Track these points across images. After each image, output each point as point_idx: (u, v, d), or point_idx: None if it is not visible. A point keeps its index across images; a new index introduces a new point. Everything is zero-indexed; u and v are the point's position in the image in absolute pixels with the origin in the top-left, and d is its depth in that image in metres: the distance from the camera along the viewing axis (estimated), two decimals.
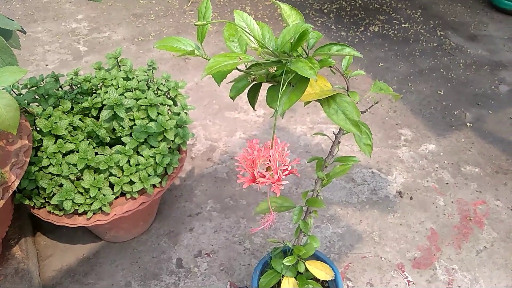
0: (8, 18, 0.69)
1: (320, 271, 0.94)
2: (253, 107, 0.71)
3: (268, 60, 0.59)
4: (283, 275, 0.94)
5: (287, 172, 0.59)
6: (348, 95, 0.72)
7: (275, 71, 0.60)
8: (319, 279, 0.99)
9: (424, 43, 2.11)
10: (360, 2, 2.44)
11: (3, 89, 0.60)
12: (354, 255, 1.23)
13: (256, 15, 2.31)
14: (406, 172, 1.48)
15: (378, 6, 2.41)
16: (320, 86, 0.71)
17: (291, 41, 0.58)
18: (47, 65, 1.96)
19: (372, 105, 0.77)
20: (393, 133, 1.62)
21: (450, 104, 1.75)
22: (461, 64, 1.97)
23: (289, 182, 1.43)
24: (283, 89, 0.59)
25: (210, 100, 1.75)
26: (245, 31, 0.57)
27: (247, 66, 0.63)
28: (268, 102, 0.64)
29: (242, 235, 1.27)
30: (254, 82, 0.70)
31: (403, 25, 2.24)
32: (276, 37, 0.61)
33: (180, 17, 2.29)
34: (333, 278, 0.94)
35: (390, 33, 2.18)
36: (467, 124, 1.66)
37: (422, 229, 1.30)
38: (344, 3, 2.43)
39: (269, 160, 0.59)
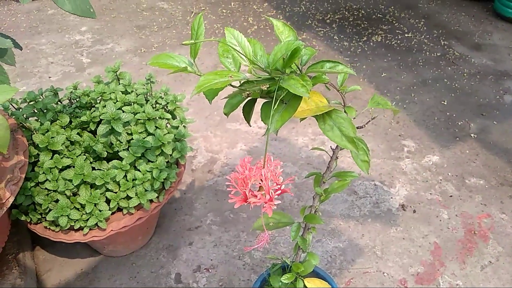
0: (2, 35, 0.69)
1: None
2: (248, 123, 0.70)
3: (259, 77, 0.58)
4: None
5: (279, 191, 0.58)
6: (345, 110, 0.70)
7: (268, 88, 0.59)
8: None
9: (427, 53, 2.10)
10: (363, 12, 2.44)
11: None
12: (355, 270, 1.21)
13: (259, 26, 2.31)
14: (409, 185, 1.45)
15: (381, 15, 2.40)
16: (315, 102, 0.69)
17: (284, 57, 0.57)
18: (50, 77, 1.97)
19: (370, 121, 0.75)
20: (396, 144, 1.60)
21: (454, 115, 1.73)
22: (465, 74, 1.95)
23: (290, 196, 1.41)
24: (275, 106, 0.58)
25: (212, 111, 1.75)
26: (236, 49, 0.56)
27: (240, 83, 0.62)
28: (262, 118, 0.63)
29: (242, 250, 1.25)
30: (249, 98, 0.69)
31: (406, 35, 2.23)
32: (268, 53, 0.60)
33: (183, 29, 2.30)
34: None
35: (393, 42, 2.17)
36: (472, 135, 1.64)
37: (426, 243, 1.28)
38: (347, 13, 2.43)
39: (261, 179, 0.57)
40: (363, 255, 1.25)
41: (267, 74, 0.58)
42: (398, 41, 2.18)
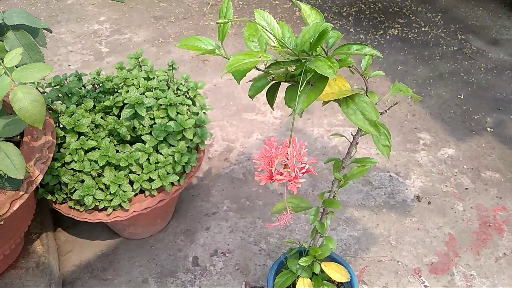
0: (35, 18, 0.72)
1: (336, 272, 0.94)
2: (272, 107, 0.72)
3: (287, 59, 0.59)
4: (298, 276, 0.94)
5: (304, 170, 0.59)
6: (367, 95, 0.72)
7: (294, 70, 0.61)
8: (334, 281, 0.99)
9: (444, 47, 2.09)
10: (379, 5, 2.43)
11: (30, 84, 0.62)
12: (370, 258, 1.23)
13: (275, 18, 2.32)
14: (424, 177, 1.46)
15: (397, 9, 2.39)
16: (339, 86, 0.71)
17: (311, 40, 0.59)
18: (69, 65, 2.00)
19: (391, 106, 0.77)
20: (411, 137, 1.61)
21: (471, 109, 1.73)
22: (482, 69, 1.95)
23: (305, 183, 1.43)
24: (302, 87, 0.60)
25: (228, 101, 1.77)
26: (266, 30, 0.58)
27: (267, 65, 0.63)
28: (286, 101, 0.65)
29: (258, 236, 1.28)
30: (273, 82, 0.71)
31: (423, 29, 2.22)
32: (296, 36, 0.61)
33: (200, 20, 2.32)
34: (349, 280, 0.93)
35: (409, 36, 2.17)
36: (488, 129, 1.64)
37: (440, 234, 1.29)
38: (363, 6, 2.43)
39: (287, 158, 0.59)
40: (377, 244, 1.26)
41: (295, 56, 0.60)
42: (415, 35, 2.18)
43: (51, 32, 0.85)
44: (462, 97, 1.79)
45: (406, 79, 1.89)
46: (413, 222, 1.32)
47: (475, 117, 1.69)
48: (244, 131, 1.64)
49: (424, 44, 2.11)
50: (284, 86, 0.67)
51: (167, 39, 2.17)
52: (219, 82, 1.86)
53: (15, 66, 0.63)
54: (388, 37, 2.16)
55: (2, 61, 0.62)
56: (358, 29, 2.22)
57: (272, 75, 0.68)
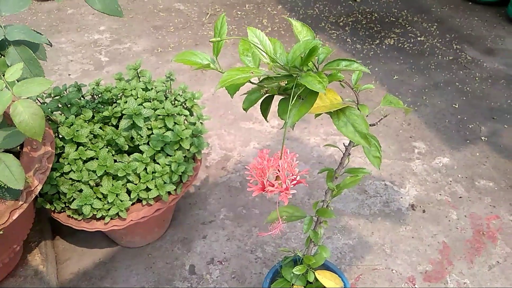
0: (36, 32, 0.74)
1: (330, 281, 0.95)
2: (265, 119, 0.74)
3: (279, 74, 0.62)
4: (293, 284, 0.96)
5: (295, 181, 0.61)
6: (358, 108, 0.74)
7: (286, 84, 0.63)
8: None
9: (439, 57, 2.12)
10: (376, 15, 2.46)
11: (29, 98, 0.64)
12: (365, 266, 1.24)
13: (273, 28, 2.35)
14: (419, 185, 1.48)
15: (394, 19, 2.43)
16: (330, 99, 0.73)
17: (302, 56, 0.61)
18: (69, 74, 2.03)
19: (382, 118, 0.79)
20: (406, 145, 1.63)
21: (465, 118, 1.75)
22: (477, 78, 1.97)
23: (301, 192, 1.45)
24: (293, 101, 0.62)
25: (226, 110, 1.79)
26: (258, 47, 0.60)
27: (260, 80, 0.65)
28: (279, 114, 0.67)
29: (254, 244, 1.29)
30: (267, 95, 0.73)
31: (418, 38, 2.25)
32: (288, 52, 0.63)
33: (199, 30, 2.35)
34: None
35: (405, 46, 2.20)
36: (482, 138, 1.66)
37: (434, 242, 1.30)
38: (360, 16, 2.46)
39: (278, 170, 0.61)
40: (372, 252, 1.28)
41: (286, 71, 0.62)
42: (411, 45, 2.20)
43: (51, 46, 0.87)
44: (457, 106, 1.81)
45: (401, 88, 1.91)
46: (408, 231, 1.33)
47: (470, 126, 1.71)
48: (242, 140, 1.66)
49: (419, 54, 2.14)
50: (278, 97, 0.69)
51: (166, 49, 2.20)
52: (217, 92, 1.88)
53: (16, 80, 0.65)
54: (384, 46, 2.19)
55: (3, 76, 0.64)
56: (354, 39, 2.25)
57: (266, 88, 0.70)
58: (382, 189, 1.47)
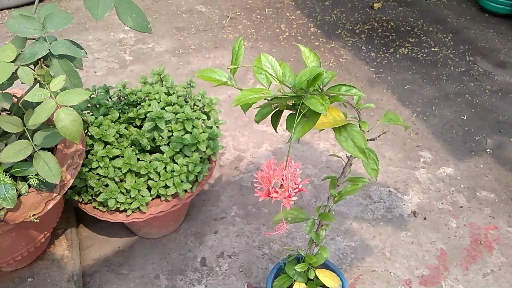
0: (77, 46, 0.84)
1: (329, 279, 1.04)
2: (275, 130, 0.83)
3: (286, 95, 0.70)
4: (294, 280, 1.05)
5: (297, 190, 0.70)
6: (360, 125, 0.82)
7: (292, 104, 0.72)
8: (327, 287, 1.09)
9: (452, 68, 2.17)
10: (392, 24, 2.52)
11: (70, 106, 0.74)
12: (364, 268, 1.32)
13: (290, 33, 2.43)
14: (422, 193, 1.55)
15: (409, 28, 2.48)
16: (333, 116, 0.81)
17: (308, 80, 0.70)
18: (95, 72, 2.14)
19: (381, 135, 0.87)
20: (413, 154, 1.70)
21: (472, 130, 1.81)
22: (487, 91, 2.02)
23: (309, 195, 1.53)
24: (298, 119, 0.71)
25: (241, 112, 1.88)
26: (268, 72, 0.69)
27: (270, 99, 0.74)
28: (287, 127, 0.75)
29: (261, 241, 1.38)
30: (277, 109, 0.82)
31: (432, 49, 2.30)
32: (296, 74, 0.72)
33: (219, 32, 2.44)
34: (340, 286, 1.03)
35: (419, 56, 2.25)
36: (487, 150, 1.72)
37: (433, 248, 1.37)
38: (376, 24, 2.52)
39: (282, 179, 0.70)
40: (372, 255, 1.35)
41: (293, 93, 0.71)
42: (424, 55, 2.26)
43: (86, 54, 0.97)
44: (465, 118, 1.87)
45: (412, 98, 1.97)
46: (408, 236, 1.41)
47: (476, 138, 1.77)
48: (255, 142, 1.75)
49: (432, 64, 2.19)
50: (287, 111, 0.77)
51: (187, 50, 2.29)
52: (233, 94, 1.97)
53: (59, 89, 0.75)
54: (398, 55, 2.25)
55: (48, 85, 0.75)
56: (369, 47, 2.31)
57: (276, 104, 0.79)
58: (386, 195, 1.54)
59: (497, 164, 1.65)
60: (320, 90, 0.73)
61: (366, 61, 2.21)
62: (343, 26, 2.50)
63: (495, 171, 1.63)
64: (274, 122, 0.84)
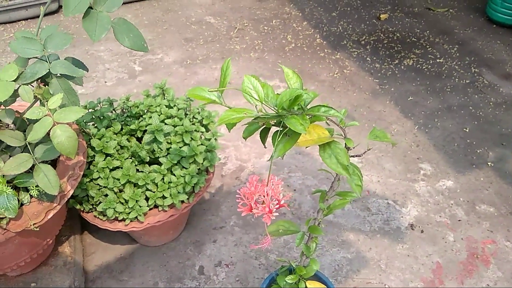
0: (78, 64, 0.89)
1: None
2: (264, 145, 0.87)
3: (268, 115, 0.74)
4: None
5: (278, 206, 0.73)
6: (345, 142, 0.85)
7: (274, 123, 0.75)
8: None
9: (456, 79, 2.17)
10: (398, 35, 2.53)
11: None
12: (360, 280, 1.34)
13: (296, 44, 2.46)
14: (420, 206, 1.56)
15: (415, 39, 2.49)
16: (317, 133, 0.85)
17: (289, 100, 0.73)
18: (105, 81, 2.21)
19: (366, 152, 0.89)
20: (413, 166, 1.71)
21: (474, 142, 1.81)
22: (491, 103, 2.02)
23: (307, 206, 1.56)
24: (279, 138, 0.74)
25: (243, 122, 1.91)
26: (250, 93, 0.72)
27: (254, 118, 0.78)
28: (272, 143, 0.79)
29: (258, 251, 1.41)
30: (264, 126, 0.85)
31: (438, 60, 2.31)
32: (278, 95, 0.76)
33: (226, 43, 2.49)
34: None
35: (423, 67, 2.26)
36: (488, 163, 1.71)
37: (428, 262, 1.38)
38: (382, 35, 2.53)
39: (263, 195, 0.73)
40: (368, 267, 1.37)
41: (275, 112, 0.74)
42: (429, 66, 2.26)
43: (87, 71, 1.02)
44: (467, 131, 1.87)
45: (414, 110, 1.98)
46: (404, 249, 1.42)
47: (478, 151, 1.77)
48: (257, 152, 1.78)
49: (437, 76, 2.20)
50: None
51: (195, 61, 2.35)
52: (237, 105, 2.01)
53: (58, 107, 0.80)
54: (402, 67, 2.26)
55: (47, 103, 0.79)
56: (374, 58, 2.33)
57: (262, 121, 0.83)
58: (384, 207, 1.55)
59: (497, 178, 1.65)
60: (302, 109, 0.76)
61: (370, 72, 2.23)
62: (349, 37, 2.52)
63: (495, 184, 1.63)
64: (263, 138, 0.88)
